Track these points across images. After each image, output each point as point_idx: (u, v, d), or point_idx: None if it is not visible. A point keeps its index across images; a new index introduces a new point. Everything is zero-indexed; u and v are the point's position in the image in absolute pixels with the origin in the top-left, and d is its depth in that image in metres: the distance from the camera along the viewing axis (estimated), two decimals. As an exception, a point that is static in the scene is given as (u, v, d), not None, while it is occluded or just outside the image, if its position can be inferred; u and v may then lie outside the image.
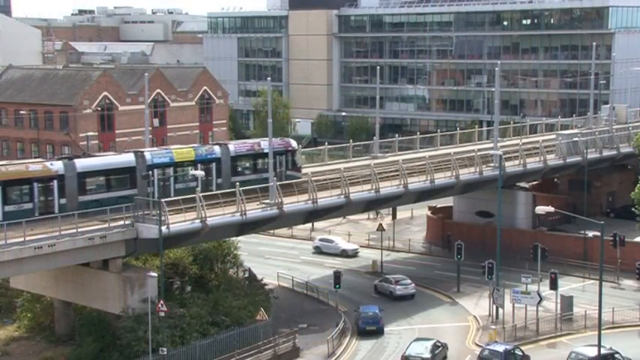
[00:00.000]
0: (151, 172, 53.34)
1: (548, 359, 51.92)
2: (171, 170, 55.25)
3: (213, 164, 57.56)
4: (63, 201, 50.15)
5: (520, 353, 50.20)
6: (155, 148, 60.01)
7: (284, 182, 57.37)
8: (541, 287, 58.23)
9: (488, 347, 50.07)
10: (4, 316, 59.58)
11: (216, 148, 58.54)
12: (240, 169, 59.35)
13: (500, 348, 49.15)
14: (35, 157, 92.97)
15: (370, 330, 56.11)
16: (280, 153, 60.79)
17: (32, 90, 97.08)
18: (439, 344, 51.16)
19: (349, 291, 64.62)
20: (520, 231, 74.12)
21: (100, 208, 49.16)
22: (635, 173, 79.98)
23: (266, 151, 58.77)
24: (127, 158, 54.28)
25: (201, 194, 51.28)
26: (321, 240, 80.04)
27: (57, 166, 50.74)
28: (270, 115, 58.63)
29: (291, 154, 62.14)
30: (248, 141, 63.87)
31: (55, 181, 50.00)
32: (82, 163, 51.89)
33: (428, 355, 49.37)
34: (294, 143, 63.59)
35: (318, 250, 79.06)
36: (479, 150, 71.77)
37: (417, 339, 52.44)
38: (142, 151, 55.55)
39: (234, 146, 60.02)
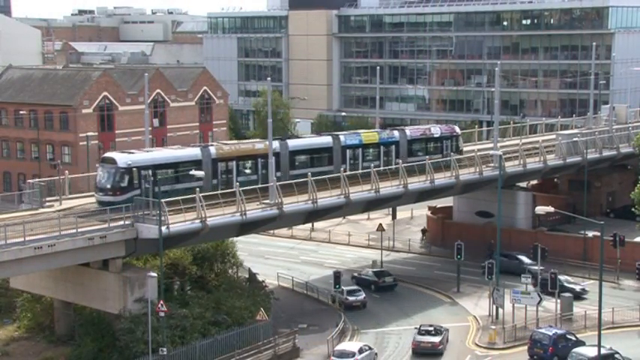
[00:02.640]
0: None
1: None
2: (360, 150, 63.90)
3: (393, 146, 66.55)
4: (279, 174, 58.00)
5: (573, 338, 51.42)
6: (346, 132, 69.00)
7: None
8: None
9: (539, 330, 52.60)
10: (4, 316, 59.52)
11: (396, 133, 67.90)
12: (414, 150, 67.99)
13: (551, 332, 51.79)
14: (35, 158, 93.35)
15: None
16: (447, 138, 70.21)
17: (32, 90, 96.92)
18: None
19: (349, 291, 64.60)
20: (520, 231, 74.09)
21: (304, 179, 56.21)
22: (635, 173, 79.98)
23: (435, 135, 69.67)
24: (327, 139, 63.95)
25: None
26: None
27: (275, 145, 58.70)
28: (270, 115, 58.79)
29: (456, 139, 71.10)
30: (420, 127, 74.41)
31: (274, 158, 57.43)
32: (292, 143, 61.30)
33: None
34: (457, 129, 72.90)
35: None
36: (479, 150, 71.83)
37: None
38: (337, 134, 65.40)
39: (409, 131, 69.37)
